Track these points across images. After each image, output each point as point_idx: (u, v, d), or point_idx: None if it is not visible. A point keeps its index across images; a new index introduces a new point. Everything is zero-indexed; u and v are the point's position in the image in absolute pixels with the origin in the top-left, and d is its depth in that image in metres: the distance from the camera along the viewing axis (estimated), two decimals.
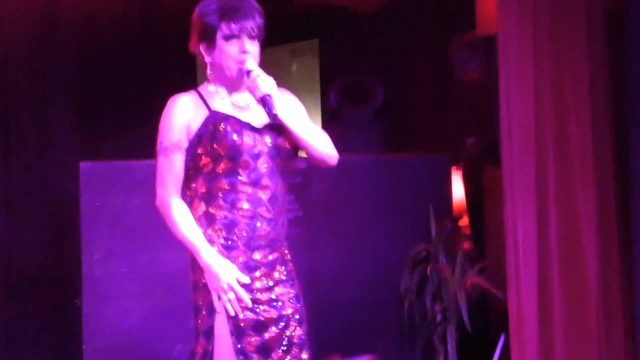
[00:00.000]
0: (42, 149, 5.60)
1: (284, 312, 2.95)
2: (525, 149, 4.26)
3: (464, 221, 5.41)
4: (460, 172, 5.42)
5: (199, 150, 2.91)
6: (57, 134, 5.63)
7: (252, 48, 2.94)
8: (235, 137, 2.88)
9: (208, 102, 2.96)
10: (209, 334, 2.87)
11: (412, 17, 5.61)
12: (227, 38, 2.91)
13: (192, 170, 2.94)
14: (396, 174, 4.96)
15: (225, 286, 2.84)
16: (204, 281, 2.89)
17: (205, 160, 2.91)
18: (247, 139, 2.90)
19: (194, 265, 2.94)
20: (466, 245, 5.02)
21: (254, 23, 2.93)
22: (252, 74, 2.89)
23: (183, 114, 2.94)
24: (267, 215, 2.94)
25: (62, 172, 5.08)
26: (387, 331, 4.87)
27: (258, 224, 2.92)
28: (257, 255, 2.93)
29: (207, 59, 2.97)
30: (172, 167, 2.93)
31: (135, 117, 6.31)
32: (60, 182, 5.15)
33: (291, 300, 2.99)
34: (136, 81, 6.29)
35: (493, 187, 4.70)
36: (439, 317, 4.80)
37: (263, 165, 2.92)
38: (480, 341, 4.87)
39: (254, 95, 2.90)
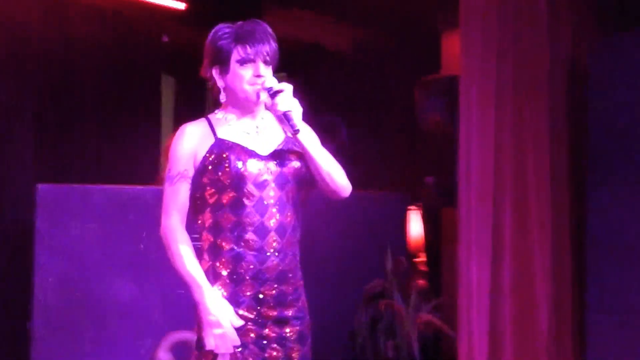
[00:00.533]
0: None
1: (289, 353, 2.88)
2: (483, 192, 4.31)
3: (420, 259, 5.44)
4: (419, 212, 5.47)
5: (204, 180, 2.84)
6: (15, 155, 5.55)
7: (267, 73, 2.86)
8: (239, 165, 2.80)
9: (216, 129, 2.88)
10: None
11: (381, 57, 5.68)
12: (242, 62, 2.84)
13: (199, 200, 2.87)
14: (355, 211, 4.97)
15: (218, 328, 2.78)
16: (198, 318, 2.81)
17: (210, 190, 2.83)
18: (252, 167, 2.82)
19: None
20: (421, 283, 5.05)
21: (269, 48, 2.85)
22: (275, 88, 2.82)
23: (190, 143, 2.86)
24: (275, 246, 2.83)
25: (19, 194, 5.02)
26: None
27: (267, 256, 2.82)
28: (265, 289, 2.83)
29: (220, 83, 2.88)
30: (177, 196, 2.87)
31: (95, 142, 6.29)
32: (16, 203, 5.09)
33: (297, 341, 2.90)
34: (99, 105, 6.26)
35: (451, 228, 4.74)
36: (390, 354, 4.81)
37: (269, 194, 2.83)
38: None
39: (275, 113, 2.85)
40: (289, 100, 2.82)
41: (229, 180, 2.80)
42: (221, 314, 2.78)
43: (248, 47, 2.84)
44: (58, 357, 4.06)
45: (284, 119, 2.82)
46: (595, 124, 4.18)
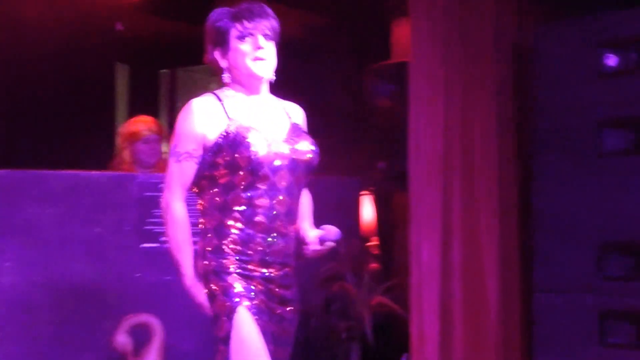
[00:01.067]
0: None
1: (284, 333, 2.96)
2: (432, 175, 4.40)
3: (373, 243, 5.52)
4: (371, 196, 5.54)
5: (218, 160, 2.84)
6: None
7: (268, 46, 2.88)
8: (257, 149, 2.81)
9: (226, 108, 2.88)
10: (227, 340, 2.79)
11: (331, 44, 5.74)
12: (241, 37, 2.85)
13: (207, 179, 2.88)
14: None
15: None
16: (219, 288, 2.84)
17: (223, 171, 2.84)
18: (268, 151, 2.83)
19: (207, 277, 2.88)
20: (373, 265, 5.13)
21: (268, 23, 2.87)
22: (327, 245, 3.02)
23: (200, 122, 2.86)
24: (282, 230, 2.88)
25: None
26: (293, 348, 4.95)
27: (274, 239, 2.87)
28: (271, 271, 2.88)
29: (224, 63, 2.90)
30: (182, 173, 2.88)
31: (50, 129, 6.26)
32: None
33: (291, 323, 2.99)
34: (53, 93, 6.24)
35: (402, 211, 4.83)
36: (343, 335, 4.88)
37: (281, 179, 2.86)
38: None
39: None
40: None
41: (245, 164, 2.81)
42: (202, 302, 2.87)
43: (245, 22, 2.84)
44: (15, 340, 4.05)
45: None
46: (540, 106, 4.30)
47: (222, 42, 2.88)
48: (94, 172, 4.37)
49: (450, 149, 4.42)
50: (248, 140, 2.81)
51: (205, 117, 2.86)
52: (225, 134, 2.83)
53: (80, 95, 6.53)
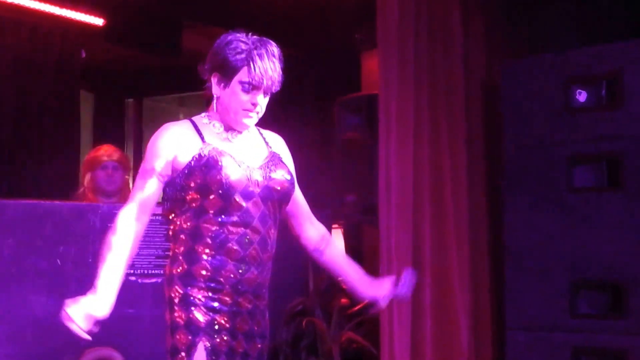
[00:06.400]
0: None
1: None
2: (403, 208, 4.36)
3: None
4: (341, 229, 5.50)
5: (190, 183, 2.79)
6: None
7: (264, 102, 2.84)
8: (228, 173, 2.77)
9: (203, 133, 2.84)
10: None
11: (298, 75, 5.71)
12: (245, 87, 2.78)
13: (178, 202, 2.82)
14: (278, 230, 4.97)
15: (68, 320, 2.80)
16: (182, 320, 2.76)
17: (194, 194, 2.78)
18: (241, 177, 2.78)
19: (172, 304, 2.80)
20: (343, 300, 5.07)
21: (274, 80, 2.80)
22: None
23: (172, 142, 2.82)
24: (255, 259, 2.81)
25: None
26: None
27: (247, 268, 2.79)
28: (243, 300, 2.81)
29: (216, 92, 2.84)
30: (142, 190, 2.82)
31: (13, 157, 6.18)
32: None
33: (260, 358, 2.89)
34: (17, 121, 6.17)
35: (372, 245, 4.78)
36: None
37: (255, 206, 2.79)
38: None
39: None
40: None
41: (216, 187, 2.76)
42: (76, 317, 2.80)
43: (256, 72, 2.76)
44: None
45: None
46: (509, 143, 4.28)
47: (224, 74, 2.80)
48: (56, 202, 4.30)
49: (420, 183, 4.40)
50: (220, 163, 2.77)
51: (177, 139, 2.82)
52: (197, 156, 2.79)
53: (44, 124, 6.47)
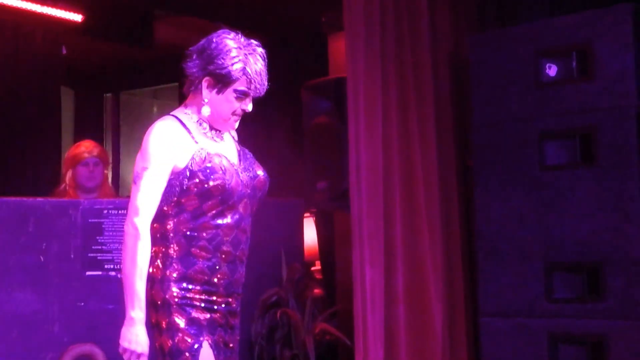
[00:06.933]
0: None
1: None
2: (374, 195, 4.25)
3: (316, 267, 5.36)
4: (313, 218, 5.38)
5: (190, 186, 2.78)
6: None
7: (250, 107, 2.89)
8: (228, 178, 2.80)
9: (192, 133, 2.84)
10: None
11: (269, 62, 5.58)
12: (240, 95, 2.82)
13: (173, 204, 2.80)
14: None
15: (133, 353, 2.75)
16: (184, 322, 2.77)
17: (193, 197, 2.78)
18: (236, 180, 2.82)
19: (157, 307, 2.79)
20: (317, 291, 4.96)
21: (263, 87, 2.88)
22: None
23: (171, 145, 2.79)
24: (243, 258, 2.88)
25: None
26: None
27: (236, 268, 2.86)
28: (233, 299, 2.87)
29: (206, 96, 2.83)
30: (151, 196, 2.77)
31: None
32: None
33: (236, 352, 2.93)
34: None
35: (344, 233, 4.66)
36: None
37: (245, 206, 2.85)
38: None
39: None
40: None
41: (219, 191, 2.77)
42: (139, 346, 2.76)
43: (253, 84, 2.83)
44: None
45: None
46: (478, 119, 4.13)
47: (220, 81, 2.81)
48: (38, 199, 4.30)
49: (390, 165, 4.29)
50: (221, 167, 2.80)
51: (173, 140, 2.80)
52: (196, 159, 2.80)
53: (26, 120, 6.50)
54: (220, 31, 2.89)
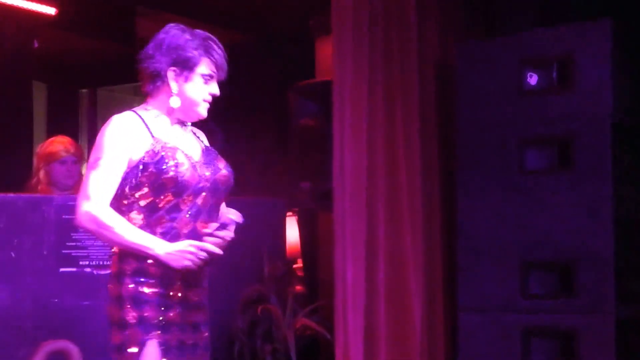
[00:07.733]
0: None
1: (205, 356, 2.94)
2: (357, 195, 4.35)
3: (297, 264, 5.44)
4: (296, 217, 5.47)
5: (142, 180, 2.79)
6: None
7: (218, 91, 2.94)
8: (182, 171, 2.79)
9: (150, 127, 2.84)
10: None
11: (252, 62, 5.68)
12: (208, 77, 2.87)
13: (127, 198, 2.82)
14: None
15: (194, 256, 2.75)
16: (135, 318, 2.77)
17: (146, 191, 2.79)
18: (193, 173, 2.82)
19: (121, 301, 2.80)
20: (298, 287, 5.06)
21: (225, 70, 2.92)
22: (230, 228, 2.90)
23: (125, 138, 2.79)
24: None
25: None
26: None
27: None
28: (190, 294, 2.86)
29: (173, 86, 2.84)
30: (105, 182, 2.77)
31: None
32: None
33: (205, 348, 2.96)
34: None
35: (327, 232, 4.77)
36: (268, 358, 4.80)
37: (203, 201, 2.84)
38: None
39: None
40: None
41: (172, 184, 2.77)
42: (181, 248, 2.75)
43: (216, 64, 2.87)
44: None
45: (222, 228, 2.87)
46: (462, 124, 4.30)
47: (185, 68, 2.85)
48: (10, 194, 4.26)
49: (374, 167, 4.39)
50: (174, 160, 2.79)
51: (129, 134, 2.80)
52: (151, 152, 2.80)
53: None
54: (168, 26, 2.93)
